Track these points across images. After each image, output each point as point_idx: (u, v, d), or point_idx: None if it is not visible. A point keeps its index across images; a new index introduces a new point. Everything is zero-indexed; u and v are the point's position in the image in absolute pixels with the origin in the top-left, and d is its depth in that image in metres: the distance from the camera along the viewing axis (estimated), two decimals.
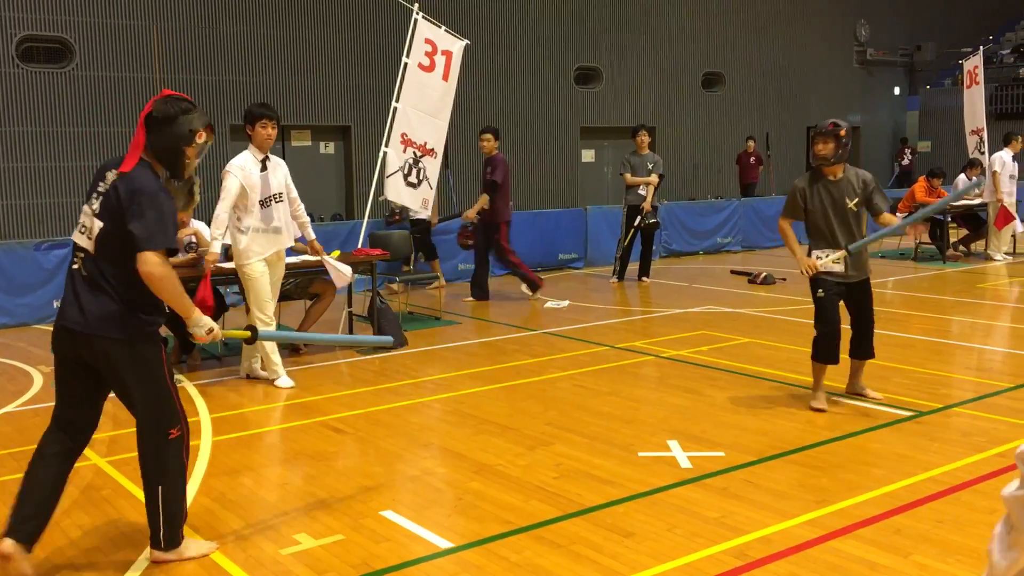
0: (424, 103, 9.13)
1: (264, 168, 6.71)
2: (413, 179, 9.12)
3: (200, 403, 6.33)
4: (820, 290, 5.82)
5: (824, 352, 5.87)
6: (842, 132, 5.66)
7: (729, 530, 4.07)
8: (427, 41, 9.05)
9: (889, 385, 6.46)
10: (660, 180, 11.46)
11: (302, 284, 8.02)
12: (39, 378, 7.17)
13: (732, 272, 12.38)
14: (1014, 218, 13.03)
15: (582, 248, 13.27)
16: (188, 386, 6.76)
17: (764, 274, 11.51)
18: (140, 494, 4.53)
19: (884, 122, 24.73)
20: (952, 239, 13.63)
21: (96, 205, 3.60)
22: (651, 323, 9.16)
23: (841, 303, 5.93)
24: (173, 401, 3.75)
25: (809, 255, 5.87)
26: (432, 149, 9.25)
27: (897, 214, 13.77)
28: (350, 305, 8.38)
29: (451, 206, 16.39)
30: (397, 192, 9.10)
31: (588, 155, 19.37)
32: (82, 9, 13.23)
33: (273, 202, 6.76)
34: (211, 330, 3.78)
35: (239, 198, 6.62)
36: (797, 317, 9.14)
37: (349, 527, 4.18)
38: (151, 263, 3.49)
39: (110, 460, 5.18)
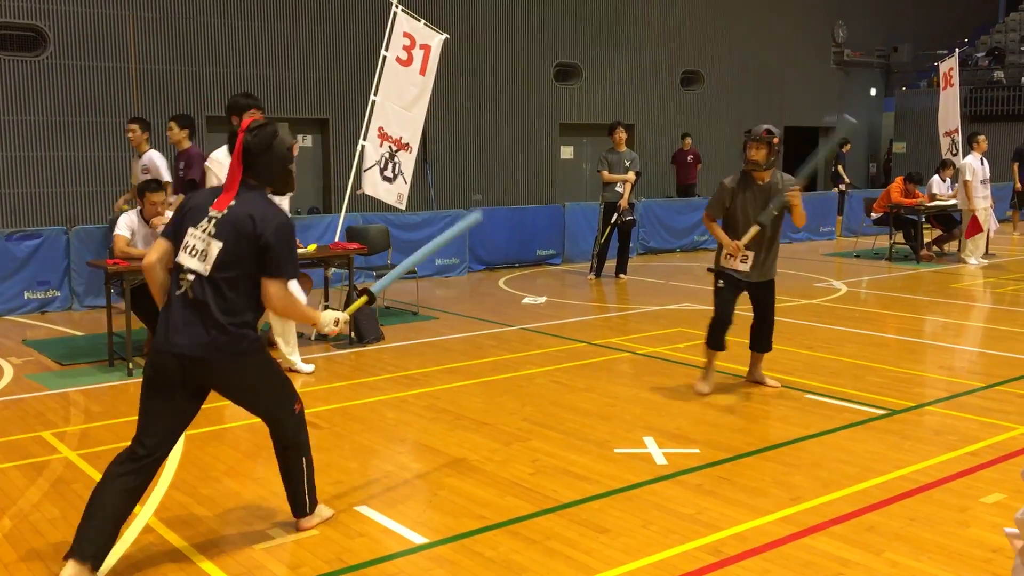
0: (401, 97, 9.09)
1: None
2: (389, 173, 9.08)
3: None
4: (721, 282, 6.16)
5: (712, 339, 6.18)
6: (775, 139, 5.94)
7: (704, 527, 4.08)
8: (405, 35, 9.01)
9: (863, 384, 6.51)
10: (637, 177, 11.48)
11: None
12: (9, 370, 7.08)
13: (709, 270, 12.40)
14: (982, 230, 13.13)
15: (560, 244, 13.28)
16: None
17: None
18: None
19: (860, 123, 24.92)
20: (926, 239, 13.76)
21: (211, 228, 3.64)
22: (628, 320, 9.17)
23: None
24: (287, 382, 3.98)
25: (720, 250, 6.20)
26: (407, 144, 9.21)
27: (872, 214, 13.93)
28: (327, 299, 8.34)
29: (430, 200, 16.35)
30: (374, 186, 9.07)
31: (566, 151, 19.38)
32: None
33: None
34: (338, 320, 3.99)
35: None
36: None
37: (323, 522, 4.15)
38: (283, 291, 3.70)
39: (81, 453, 5.12)
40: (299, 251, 7.62)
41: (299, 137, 15.93)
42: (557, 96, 18.63)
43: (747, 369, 6.64)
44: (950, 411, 5.88)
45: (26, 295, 9.42)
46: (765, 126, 5.98)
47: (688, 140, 18.08)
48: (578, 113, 19.03)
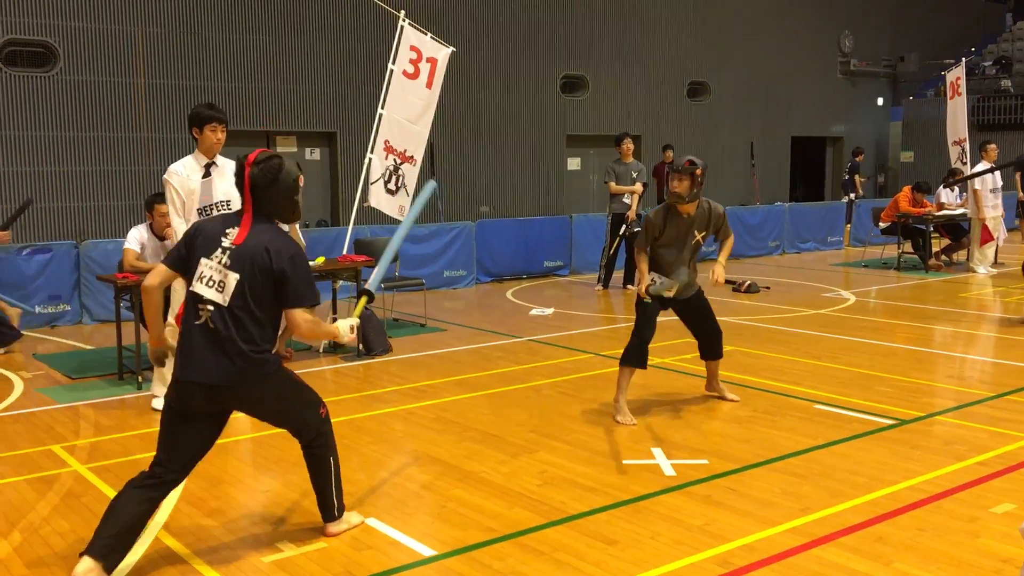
0: (407, 110, 9.12)
1: (207, 174, 6.18)
2: (392, 186, 9.11)
3: None
4: (648, 298, 5.94)
5: (632, 355, 5.96)
6: (698, 171, 5.74)
7: (712, 538, 4.07)
8: (412, 48, 9.05)
9: (871, 394, 6.50)
10: (644, 188, 11.49)
11: None
12: (19, 384, 7.11)
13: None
14: (992, 239, 13.10)
15: (567, 256, 13.29)
16: None
17: (748, 282, 11.55)
18: None
19: (868, 132, 24.90)
20: (934, 248, 13.73)
21: (225, 259, 3.74)
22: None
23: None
24: (308, 389, 4.08)
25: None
26: (412, 156, 9.24)
27: (881, 224, 13.91)
28: (335, 311, 8.36)
29: (437, 214, 16.38)
30: (379, 199, 9.09)
31: (574, 163, 19.40)
32: (67, 13, 13.16)
33: (216, 210, 6.16)
34: (352, 327, 4.05)
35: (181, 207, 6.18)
36: (780, 325, 9.18)
37: (352, 528, 4.16)
38: (305, 319, 3.80)
39: (91, 467, 5.14)
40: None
41: (307, 153, 16.01)
42: (564, 108, 18.67)
43: (753, 378, 6.62)
44: (959, 421, 5.86)
45: (37, 309, 9.47)
46: (688, 157, 5.82)
47: (670, 152, 16.83)
48: (585, 125, 19.07)
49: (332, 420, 6.01)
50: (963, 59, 16.11)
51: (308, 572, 3.80)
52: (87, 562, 3.55)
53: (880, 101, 25.35)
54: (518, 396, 6.60)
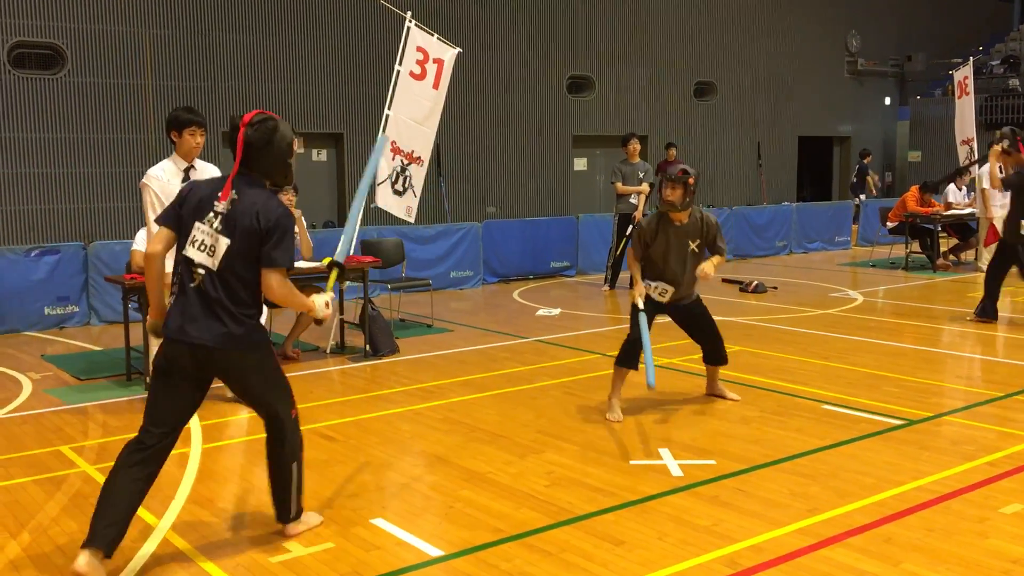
0: (414, 111, 9.12)
1: (187, 178, 6.14)
2: (399, 187, 9.11)
3: None
4: (640, 303, 6.02)
5: (626, 356, 6.02)
6: (691, 180, 5.84)
7: (720, 538, 4.07)
8: (419, 49, 9.05)
9: (879, 394, 6.48)
10: (651, 189, 11.49)
11: None
12: (28, 385, 7.14)
13: (724, 281, 12.40)
14: (1000, 238, 13.03)
15: (573, 256, 13.28)
16: None
17: (755, 283, 11.53)
18: None
19: (875, 132, 24.85)
20: (942, 248, 13.68)
21: (217, 224, 3.75)
22: None
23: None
24: (288, 386, 4.07)
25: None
26: (419, 157, 9.23)
27: (888, 224, 13.88)
28: (341, 312, 8.37)
29: (445, 214, 16.40)
30: (385, 200, 9.09)
31: (580, 163, 19.40)
32: (75, 15, 13.21)
33: None
34: (327, 302, 4.00)
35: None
36: (788, 325, 9.16)
37: (339, 535, 4.17)
38: (278, 281, 3.79)
39: (99, 467, 5.15)
40: (314, 264, 7.75)
41: (301, 140, 16.04)
42: (570, 108, 18.67)
43: (760, 379, 6.62)
44: (968, 421, 5.85)
45: (45, 311, 9.50)
46: (681, 166, 5.92)
47: (672, 151, 16.84)
48: (591, 125, 19.06)
49: (340, 420, 6.04)
50: (971, 58, 16.07)
51: (315, 572, 3.80)
52: (87, 555, 3.58)
53: (887, 100, 25.29)
54: (525, 397, 6.60)
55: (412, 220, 9.49)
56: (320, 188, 16.11)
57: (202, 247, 3.77)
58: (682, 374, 7.19)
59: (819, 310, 10.08)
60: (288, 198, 7.83)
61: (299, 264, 7.70)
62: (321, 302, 3.98)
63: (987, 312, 9.18)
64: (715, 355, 6.33)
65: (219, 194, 3.80)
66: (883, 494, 4.58)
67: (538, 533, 4.17)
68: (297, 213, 7.89)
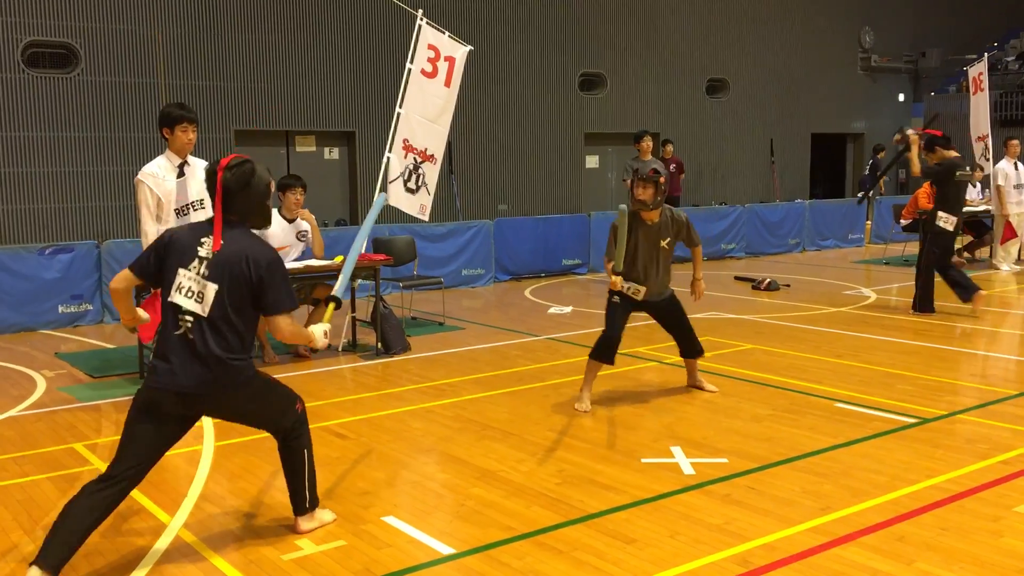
0: (426, 109, 9.11)
1: (181, 174, 6.22)
2: (412, 185, 9.10)
3: None
4: (616, 297, 6.24)
5: (600, 351, 6.18)
6: (661, 179, 6.09)
7: (732, 537, 4.05)
8: (430, 47, 9.04)
9: (893, 392, 6.45)
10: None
11: (304, 289, 8.03)
12: (42, 383, 7.18)
13: (736, 278, 12.37)
14: (1015, 235, 12.97)
15: (585, 254, 13.27)
16: None
17: (768, 280, 11.49)
18: (141, 498, 4.54)
19: (889, 129, 24.70)
20: (957, 245, 13.58)
21: (203, 269, 3.75)
22: (654, 329, 9.10)
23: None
24: (283, 388, 4.10)
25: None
26: (432, 155, 9.22)
27: (902, 221, 13.81)
28: (353, 310, 8.38)
29: (456, 211, 16.40)
30: (398, 198, 9.09)
31: (592, 161, 19.37)
32: (87, 15, 13.27)
33: (192, 210, 6.24)
34: (325, 332, 4.18)
35: (156, 208, 6.17)
36: (801, 323, 9.12)
37: (351, 533, 4.17)
38: (287, 324, 3.87)
39: None
40: (326, 263, 7.78)
41: (326, 152, 16.06)
42: (582, 106, 18.64)
43: (773, 376, 6.60)
44: (982, 419, 5.81)
45: (59, 309, 9.55)
46: (652, 166, 6.17)
47: (670, 147, 15.89)
48: (603, 122, 19.03)
49: (352, 418, 6.05)
50: (985, 54, 15.95)
51: (327, 570, 3.81)
52: (36, 572, 3.52)
53: (901, 97, 25.15)
54: (536, 394, 6.59)
55: (426, 219, 9.48)
56: (332, 186, 16.14)
57: (189, 293, 3.75)
58: None
59: (832, 308, 10.04)
60: (296, 197, 7.86)
61: (311, 263, 7.74)
62: (319, 332, 4.14)
63: (923, 305, 9.55)
64: (691, 349, 6.55)
65: (202, 240, 3.79)
66: (897, 492, 4.55)
67: (549, 531, 4.16)
68: (306, 212, 7.92)
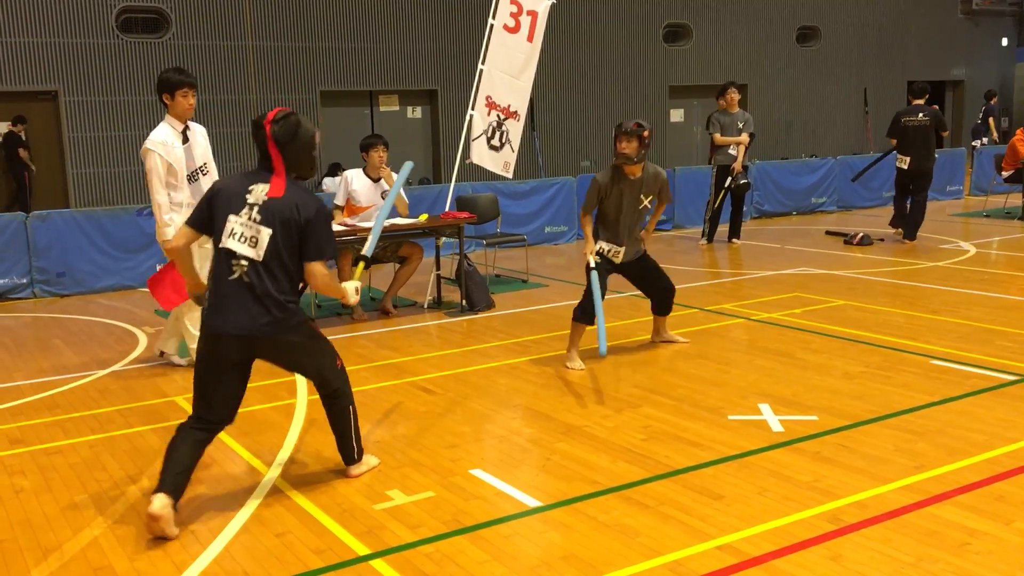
0: (509, 65, 9.07)
1: (186, 140, 6.15)
2: (496, 142, 9.10)
3: None
4: (593, 262, 6.13)
5: (582, 312, 6.16)
6: (645, 133, 5.98)
7: (822, 494, 4.00)
8: (512, 2, 8.98)
9: (992, 348, 6.23)
10: (751, 139, 11.20)
11: (390, 248, 8.13)
12: (143, 338, 7.47)
13: (827, 233, 12.06)
14: None
15: (670, 209, 13.09)
16: None
17: (861, 235, 11.17)
18: (239, 448, 4.70)
19: (990, 76, 23.60)
20: None
21: (256, 214, 3.89)
22: (741, 285, 9.00)
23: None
24: (327, 341, 4.27)
25: (596, 241, 6.24)
26: (515, 112, 9.20)
27: (1003, 172, 13.25)
28: (438, 268, 8.47)
29: (538, 168, 16.34)
30: (480, 155, 9.11)
31: (677, 114, 19.04)
32: None
33: (200, 175, 6.21)
34: (357, 288, 4.26)
35: (167, 175, 6.06)
36: (895, 279, 8.87)
37: (439, 484, 4.26)
38: (324, 272, 3.99)
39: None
40: (411, 221, 7.87)
41: (409, 111, 16.15)
42: (666, 58, 18.29)
43: (866, 333, 6.43)
44: None
45: (157, 267, 9.86)
46: (636, 120, 6.04)
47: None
48: (688, 75, 18.65)
49: (438, 374, 6.15)
50: None
51: (417, 519, 3.90)
52: (162, 498, 3.76)
53: (1004, 42, 23.95)
54: (621, 351, 6.58)
55: (510, 176, 9.49)
56: (415, 145, 16.25)
57: (242, 239, 3.88)
58: (782, 328, 7.04)
59: (928, 262, 9.72)
60: (380, 155, 7.93)
61: (396, 220, 7.81)
62: (351, 288, 4.23)
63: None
64: (665, 307, 6.57)
65: (251, 187, 3.93)
66: (995, 451, 4.42)
67: (636, 486, 4.17)
68: (387, 171, 7.98)
